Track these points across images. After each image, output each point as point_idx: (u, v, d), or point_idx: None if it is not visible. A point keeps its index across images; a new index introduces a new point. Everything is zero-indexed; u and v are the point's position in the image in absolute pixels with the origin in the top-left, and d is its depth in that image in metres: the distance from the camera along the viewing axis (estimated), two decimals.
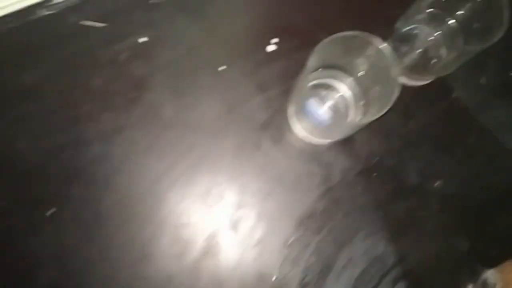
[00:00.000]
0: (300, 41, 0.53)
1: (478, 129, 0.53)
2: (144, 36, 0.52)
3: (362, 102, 0.47)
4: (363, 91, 0.46)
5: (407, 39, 0.50)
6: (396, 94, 0.37)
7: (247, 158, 0.49)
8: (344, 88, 0.48)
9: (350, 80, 0.47)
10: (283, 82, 0.52)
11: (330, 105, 0.47)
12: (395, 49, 0.47)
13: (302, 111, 0.48)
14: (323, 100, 0.47)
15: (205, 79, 0.52)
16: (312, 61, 0.39)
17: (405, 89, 0.52)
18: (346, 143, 0.51)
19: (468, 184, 0.52)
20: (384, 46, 0.39)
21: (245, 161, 0.49)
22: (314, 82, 0.48)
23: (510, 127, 0.53)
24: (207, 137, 0.50)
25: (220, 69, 0.52)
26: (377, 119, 0.38)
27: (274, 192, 0.49)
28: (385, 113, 0.37)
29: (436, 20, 0.50)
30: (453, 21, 0.49)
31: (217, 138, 0.50)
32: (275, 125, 0.51)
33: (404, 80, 0.51)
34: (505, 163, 0.53)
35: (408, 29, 0.50)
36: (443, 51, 0.50)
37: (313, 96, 0.47)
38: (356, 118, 0.47)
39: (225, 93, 0.52)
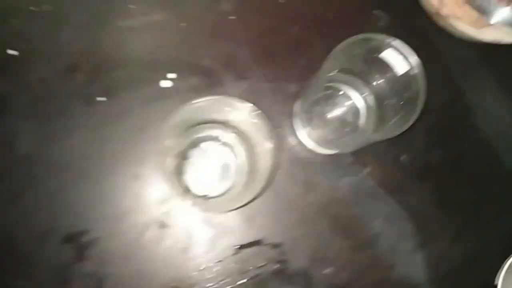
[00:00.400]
0: (200, 81, 0.45)
1: (386, 213, 0.45)
2: (14, 49, 0.44)
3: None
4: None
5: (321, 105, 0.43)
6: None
7: None
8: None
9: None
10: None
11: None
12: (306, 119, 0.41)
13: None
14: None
15: (78, 110, 0.44)
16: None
17: (313, 156, 0.45)
18: None
19: (360, 276, 0.45)
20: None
21: None
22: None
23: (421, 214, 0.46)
24: (72, 182, 0.42)
25: (98, 99, 0.44)
26: None
27: None
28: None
29: (355, 89, 0.43)
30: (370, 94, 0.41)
31: (85, 183, 0.43)
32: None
33: (315, 147, 0.44)
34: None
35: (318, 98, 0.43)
36: (359, 123, 0.43)
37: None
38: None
39: (99, 128, 0.44)
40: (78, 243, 0.42)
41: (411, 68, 0.33)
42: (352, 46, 0.34)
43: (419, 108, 0.32)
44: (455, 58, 0.48)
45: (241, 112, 0.35)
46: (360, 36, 0.32)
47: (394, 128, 0.33)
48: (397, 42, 0.33)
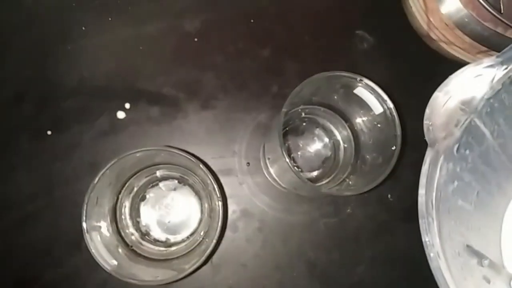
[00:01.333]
0: (160, 111, 0.41)
1: (370, 258, 0.40)
2: None
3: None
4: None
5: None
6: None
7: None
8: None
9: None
10: None
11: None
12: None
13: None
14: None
15: (24, 144, 0.39)
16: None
17: (286, 195, 0.40)
18: None
19: None
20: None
21: None
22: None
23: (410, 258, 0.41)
24: (19, 224, 0.38)
25: (47, 132, 0.40)
26: None
27: None
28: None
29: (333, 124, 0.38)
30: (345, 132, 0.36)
31: (32, 226, 0.38)
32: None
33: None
34: None
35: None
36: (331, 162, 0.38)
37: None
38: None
39: (47, 165, 0.39)
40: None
41: (385, 111, 0.28)
42: (322, 81, 0.29)
43: (395, 158, 0.27)
44: None
45: (191, 163, 0.30)
46: (328, 73, 0.27)
47: (368, 177, 0.28)
48: (368, 82, 0.28)
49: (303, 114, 0.37)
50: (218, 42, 0.41)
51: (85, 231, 0.27)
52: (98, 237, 0.29)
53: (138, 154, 0.27)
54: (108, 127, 0.40)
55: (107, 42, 0.41)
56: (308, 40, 0.42)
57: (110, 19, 0.41)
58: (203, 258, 0.28)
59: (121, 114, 0.40)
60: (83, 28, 0.41)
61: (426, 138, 0.24)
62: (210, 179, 0.28)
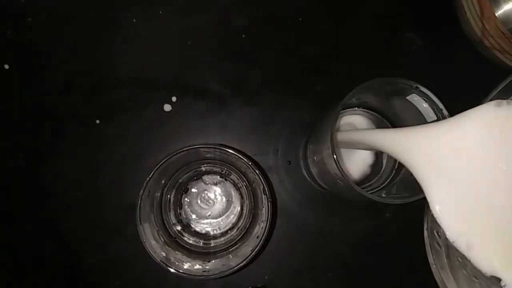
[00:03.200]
0: (205, 105, 0.41)
1: (408, 264, 0.40)
2: (7, 63, 0.41)
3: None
4: None
5: None
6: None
7: None
8: None
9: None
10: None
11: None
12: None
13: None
14: None
15: (73, 131, 0.41)
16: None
17: (325, 196, 0.40)
18: None
19: None
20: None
21: None
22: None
23: None
24: (63, 210, 0.40)
25: (96, 121, 0.41)
26: None
27: None
28: None
29: None
30: None
31: (77, 213, 0.40)
32: None
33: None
34: None
35: None
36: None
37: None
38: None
39: (94, 153, 0.40)
40: (69, 275, 0.39)
41: (439, 119, 0.28)
42: (378, 86, 0.29)
43: None
44: None
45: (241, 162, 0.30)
46: (383, 79, 0.27)
47: (413, 185, 0.28)
48: (424, 90, 0.27)
49: None
50: (265, 39, 0.41)
51: (139, 222, 0.28)
52: (148, 228, 0.30)
53: (192, 150, 0.28)
54: (154, 119, 0.41)
55: (156, 35, 0.42)
56: (356, 41, 0.42)
57: (160, 12, 0.41)
58: (249, 257, 0.28)
59: (167, 107, 0.41)
60: (134, 20, 0.41)
61: None
62: (262, 181, 0.28)
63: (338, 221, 0.40)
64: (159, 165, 0.28)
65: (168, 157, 0.28)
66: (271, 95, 0.41)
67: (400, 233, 0.40)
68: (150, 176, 0.28)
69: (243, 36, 0.42)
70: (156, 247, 0.29)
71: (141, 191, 0.28)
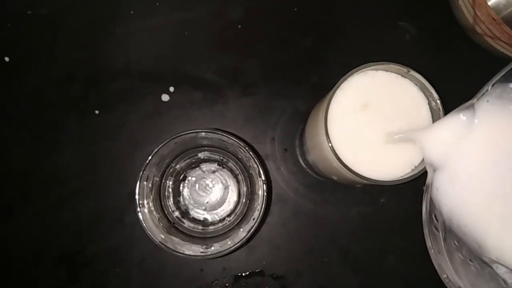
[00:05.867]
0: (202, 95, 0.42)
1: (402, 249, 0.41)
2: (7, 55, 0.42)
3: None
4: None
5: None
6: None
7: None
8: None
9: None
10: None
11: None
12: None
13: None
14: None
15: (73, 122, 0.41)
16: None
17: (321, 183, 0.41)
18: None
19: None
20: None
21: None
22: None
23: None
24: (66, 199, 0.40)
25: (96, 112, 0.41)
26: None
27: None
28: None
29: None
30: None
31: (79, 201, 0.40)
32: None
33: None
34: None
35: None
36: None
37: None
38: None
39: (95, 143, 0.41)
40: (72, 263, 0.40)
41: (430, 103, 0.28)
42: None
43: None
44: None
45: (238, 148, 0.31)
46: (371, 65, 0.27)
47: None
48: (415, 74, 0.28)
49: None
50: (261, 30, 0.42)
51: (138, 206, 0.29)
52: (147, 213, 0.30)
53: (190, 135, 0.29)
54: (153, 109, 0.41)
55: (154, 27, 0.42)
56: (351, 31, 0.42)
57: (157, 4, 0.42)
58: (245, 239, 0.29)
59: (165, 97, 0.41)
60: (132, 12, 0.42)
61: None
62: (257, 164, 0.29)
63: (334, 207, 0.41)
64: (157, 148, 0.28)
65: (167, 141, 0.28)
66: (267, 85, 0.42)
67: (394, 219, 0.41)
68: (148, 160, 0.29)
69: (239, 27, 0.42)
70: (155, 231, 0.30)
71: (140, 174, 0.28)
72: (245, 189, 0.38)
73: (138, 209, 0.29)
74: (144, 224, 0.29)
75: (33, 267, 0.40)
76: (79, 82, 0.42)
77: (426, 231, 0.27)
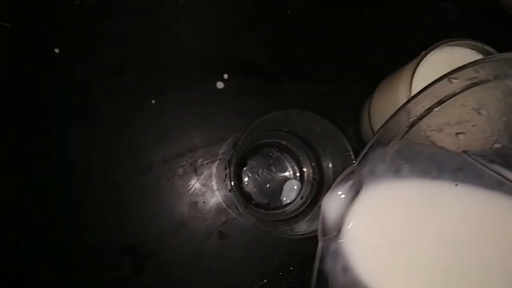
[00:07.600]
0: (255, 81, 0.42)
1: None
2: (58, 47, 0.41)
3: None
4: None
5: None
6: None
7: None
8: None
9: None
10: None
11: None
12: None
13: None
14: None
15: (130, 112, 0.41)
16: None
17: None
18: None
19: None
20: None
21: None
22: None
23: None
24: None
25: (153, 102, 0.41)
26: None
27: None
28: None
29: None
30: None
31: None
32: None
33: None
34: None
35: None
36: None
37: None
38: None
39: (152, 133, 0.41)
40: (136, 254, 0.40)
41: None
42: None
43: None
44: None
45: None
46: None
47: None
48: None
49: None
50: (311, 14, 0.43)
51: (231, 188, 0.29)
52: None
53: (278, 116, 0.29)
54: (207, 96, 0.42)
55: (204, 15, 0.42)
56: (392, 15, 0.44)
57: None
58: None
59: (220, 85, 0.42)
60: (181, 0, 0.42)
61: None
62: (347, 144, 0.30)
63: None
64: (250, 129, 0.29)
65: (257, 123, 0.29)
66: (320, 69, 0.43)
67: None
68: (241, 140, 0.29)
69: (289, 11, 0.43)
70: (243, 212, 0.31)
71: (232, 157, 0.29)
72: (310, 172, 0.39)
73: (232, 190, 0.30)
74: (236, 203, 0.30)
75: (97, 259, 0.40)
76: (133, 71, 0.41)
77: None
